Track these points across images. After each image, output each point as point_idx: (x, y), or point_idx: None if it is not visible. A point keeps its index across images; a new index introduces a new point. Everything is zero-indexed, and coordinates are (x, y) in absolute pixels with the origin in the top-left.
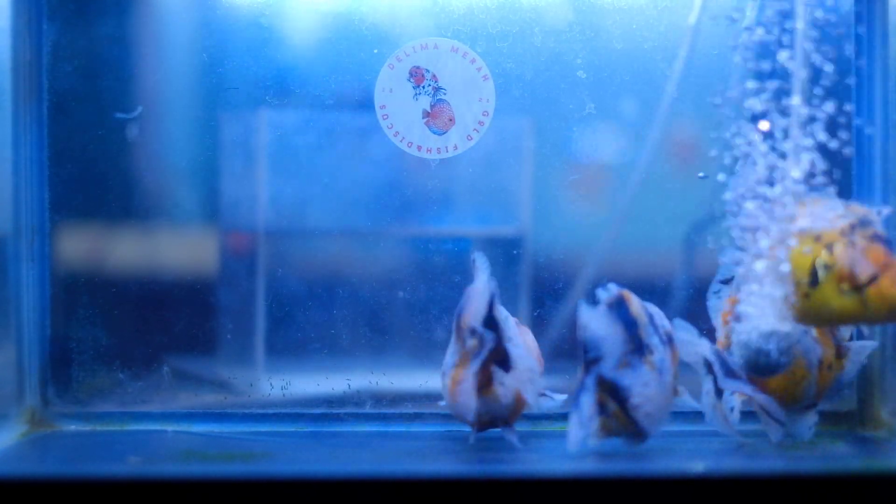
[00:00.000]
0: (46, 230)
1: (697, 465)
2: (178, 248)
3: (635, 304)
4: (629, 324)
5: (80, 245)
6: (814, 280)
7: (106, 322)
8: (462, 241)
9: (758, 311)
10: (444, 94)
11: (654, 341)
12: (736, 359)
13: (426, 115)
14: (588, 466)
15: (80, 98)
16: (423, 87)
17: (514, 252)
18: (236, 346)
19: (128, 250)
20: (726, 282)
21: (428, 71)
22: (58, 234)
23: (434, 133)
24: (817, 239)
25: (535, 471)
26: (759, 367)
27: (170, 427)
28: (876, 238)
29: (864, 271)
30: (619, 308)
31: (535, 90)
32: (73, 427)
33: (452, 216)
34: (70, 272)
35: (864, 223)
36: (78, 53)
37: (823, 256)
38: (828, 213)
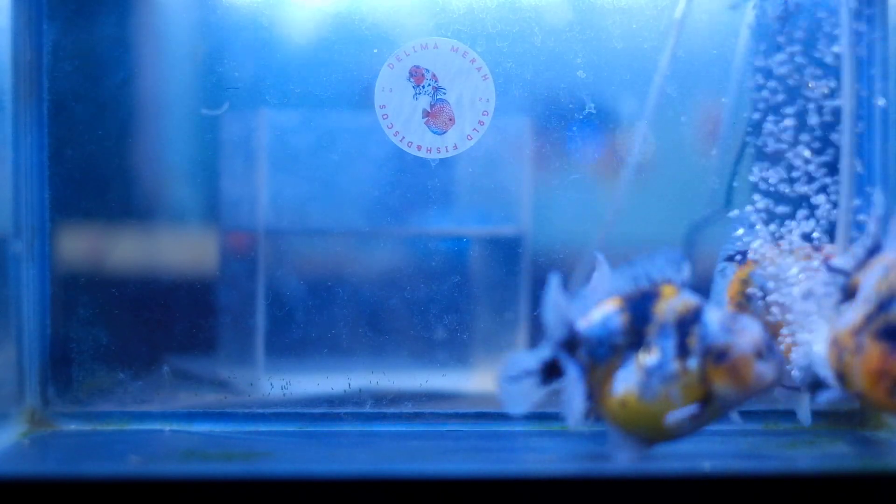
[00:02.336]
0: (46, 230)
1: (697, 465)
2: (178, 248)
3: (670, 303)
4: (641, 318)
5: (80, 245)
6: None
7: (106, 322)
8: (462, 241)
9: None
10: (444, 94)
11: (664, 344)
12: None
13: (426, 114)
14: (588, 466)
15: (80, 98)
16: (423, 87)
17: (514, 252)
18: (236, 346)
19: (128, 250)
20: (731, 258)
21: (428, 71)
22: (58, 234)
23: (434, 133)
24: (834, 343)
25: (535, 471)
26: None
27: (170, 427)
28: (883, 334)
29: (856, 384)
30: (642, 301)
31: (535, 90)
32: (73, 427)
33: (452, 216)
34: (70, 272)
35: (884, 307)
36: (78, 53)
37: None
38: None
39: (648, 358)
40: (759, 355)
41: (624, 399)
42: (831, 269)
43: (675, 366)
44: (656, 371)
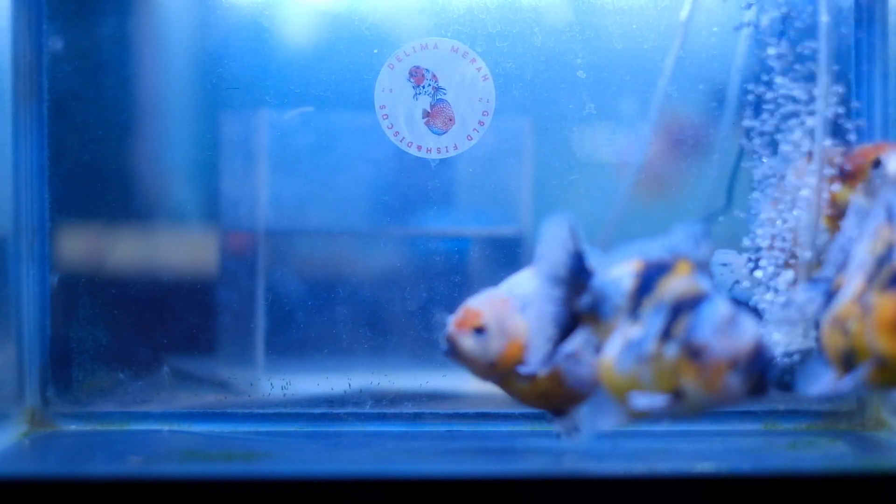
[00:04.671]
0: (46, 230)
1: (697, 465)
2: (178, 249)
3: (678, 282)
4: (644, 289)
5: (80, 245)
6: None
7: (106, 322)
8: (462, 241)
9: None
10: (444, 94)
11: (652, 322)
12: None
13: (426, 115)
14: (588, 466)
15: (80, 98)
16: (423, 87)
17: (514, 252)
18: (236, 346)
19: (128, 250)
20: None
21: (428, 71)
22: (58, 234)
23: (434, 133)
24: (834, 322)
25: (535, 471)
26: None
27: (170, 427)
28: (892, 283)
29: (871, 347)
30: (652, 270)
31: (535, 90)
32: (73, 427)
33: (452, 216)
34: (70, 272)
35: (885, 261)
36: (78, 53)
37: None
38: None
39: (633, 331)
40: (734, 366)
41: (605, 364)
42: (811, 281)
43: (653, 347)
44: (635, 346)
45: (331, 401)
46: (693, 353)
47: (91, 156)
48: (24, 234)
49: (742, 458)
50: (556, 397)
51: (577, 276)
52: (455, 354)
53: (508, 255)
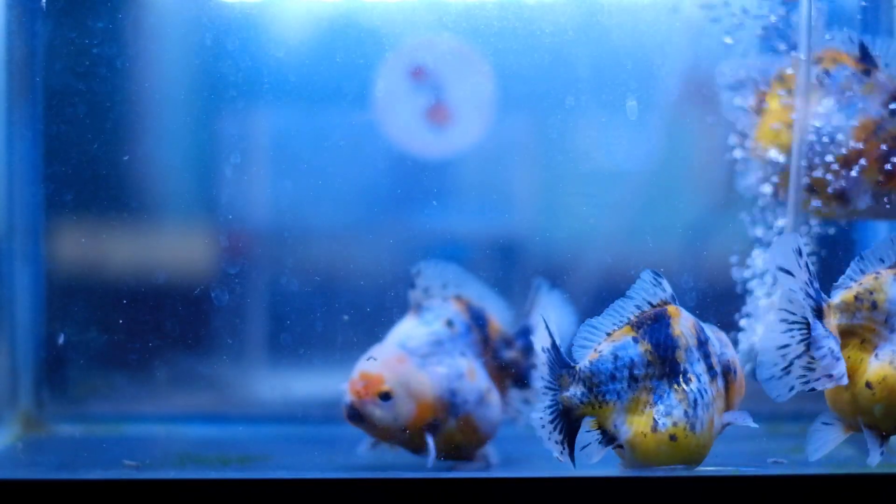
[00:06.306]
0: (40, 230)
1: (700, 466)
2: (173, 248)
3: (682, 323)
4: (664, 345)
5: (74, 245)
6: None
7: (101, 323)
8: (462, 241)
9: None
10: (445, 92)
11: (696, 369)
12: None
13: (426, 113)
14: (591, 468)
15: (74, 96)
16: (424, 86)
17: (514, 252)
18: (234, 347)
19: (123, 251)
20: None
21: (428, 69)
22: (52, 234)
23: (434, 131)
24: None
25: (536, 472)
26: None
27: (166, 429)
28: None
29: None
30: (656, 325)
31: (535, 88)
32: (67, 429)
33: (452, 215)
34: (64, 273)
35: None
36: (72, 51)
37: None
38: None
39: (689, 387)
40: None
41: (673, 434)
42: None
43: (712, 389)
44: (699, 399)
45: (329, 403)
46: (732, 371)
47: (85, 155)
48: (17, 234)
49: (745, 460)
50: (468, 445)
51: (558, 372)
52: (361, 424)
53: (508, 255)
